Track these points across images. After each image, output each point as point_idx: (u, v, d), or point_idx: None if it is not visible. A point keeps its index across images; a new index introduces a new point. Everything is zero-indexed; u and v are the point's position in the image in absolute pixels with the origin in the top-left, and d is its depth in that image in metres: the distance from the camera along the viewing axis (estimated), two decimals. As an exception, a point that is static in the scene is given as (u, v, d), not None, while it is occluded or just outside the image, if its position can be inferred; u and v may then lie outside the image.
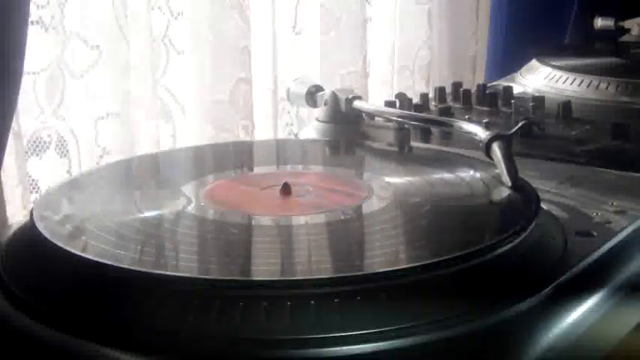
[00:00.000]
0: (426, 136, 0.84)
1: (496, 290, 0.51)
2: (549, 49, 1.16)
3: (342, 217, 0.60)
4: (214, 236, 0.58)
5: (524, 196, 0.62)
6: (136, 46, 0.89)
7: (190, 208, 0.61)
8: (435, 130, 0.84)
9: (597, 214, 0.64)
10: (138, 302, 0.48)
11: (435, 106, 0.95)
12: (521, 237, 0.55)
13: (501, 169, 0.65)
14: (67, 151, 0.87)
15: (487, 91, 0.97)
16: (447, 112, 0.90)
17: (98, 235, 0.55)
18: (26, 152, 0.83)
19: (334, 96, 0.83)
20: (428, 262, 0.50)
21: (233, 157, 0.78)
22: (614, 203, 0.66)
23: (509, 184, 0.63)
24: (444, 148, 0.79)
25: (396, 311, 0.47)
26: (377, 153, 0.77)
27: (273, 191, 0.64)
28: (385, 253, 0.54)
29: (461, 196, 0.64)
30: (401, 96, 0.93)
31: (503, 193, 0.63)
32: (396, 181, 0.67)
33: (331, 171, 0.72)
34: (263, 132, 1.04)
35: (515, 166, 0.65)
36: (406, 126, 0.80)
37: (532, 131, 0.83)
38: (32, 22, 0.80)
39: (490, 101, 0.95)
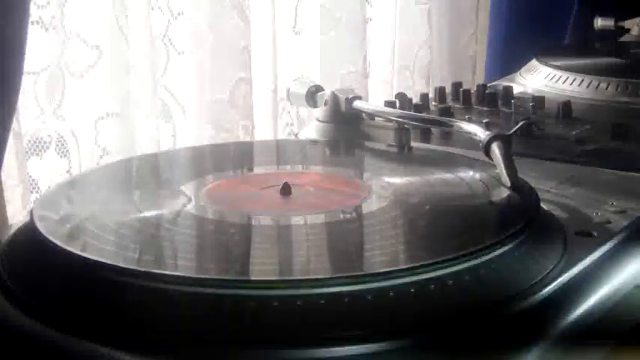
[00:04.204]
0: (426, 136, 0.84)
1: (496, 291, 0.51)
2: (549, 49, 1.16)
3: (342, 217, 0.60)
4: (214, 236, 0.58)
5: (524, 197, 0.62)
6: (136, 46, 0.89)
7: (190, 208, 0.61)
8: (435, 130, 0.83)
9: (597, 214, 0.64)
10: (138, 302, 0.48)
11: (435, 106, 0.95)
12: (520, 237, 0.55)
13: (501, 169, 0.65)
14: (67, 151, 0.87)
15: (487, 91, 0.96)
16: (447, 112, 0.90)
17: (98, 235, 0.55)
18: (26, 152, 0.83)
19: (334, 96, 0.83)
20: (427, 262, 0.50)
21: (233, 157, 0.78)
22: (614, 203, 0.66)
23: (509, 184, 0.63)
24: (444, 148, 0.79)
25: (396, 311, 0.47)
26: (377, 153, 0.77)
27: (273, 191, 0.64)
28: (385, 254, 0.54)
29: (460, 196, 0.64)
30: (401, 96, 0.93)
31: (503, 193, 0.63)
32: (396, 181, 0.67)
33: (331, 171, 0.72)
34: (263, 132, 1.04)
35: (515, 167, 0.65)
36: (406, 126, 0.80)
37: (532, 131, 0.83)
38: (32, 22, 0.80)
39: (490, 101, 0.95)
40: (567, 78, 1.02)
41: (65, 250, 0.52)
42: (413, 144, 0.79)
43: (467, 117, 0.90)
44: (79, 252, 0.52)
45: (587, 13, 1.32)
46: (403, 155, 0.78)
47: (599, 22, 1.27)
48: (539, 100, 0.93)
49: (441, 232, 0.58)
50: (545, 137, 0.83)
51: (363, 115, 0.84)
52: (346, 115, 0.83)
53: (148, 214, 0.61)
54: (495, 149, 0.66)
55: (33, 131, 0.84)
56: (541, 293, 0.51)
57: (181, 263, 0.54)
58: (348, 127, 0.83)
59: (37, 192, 0.85)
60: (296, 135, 1.06)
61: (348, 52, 1.14)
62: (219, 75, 0.96)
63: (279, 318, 0.46)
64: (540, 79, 1.04)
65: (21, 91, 0.68)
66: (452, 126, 0.77)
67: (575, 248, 0.58)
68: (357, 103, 0.83)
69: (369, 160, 0.77)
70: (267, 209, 0.62)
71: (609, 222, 0.62)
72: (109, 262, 0.50)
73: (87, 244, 0.55)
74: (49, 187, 0.83)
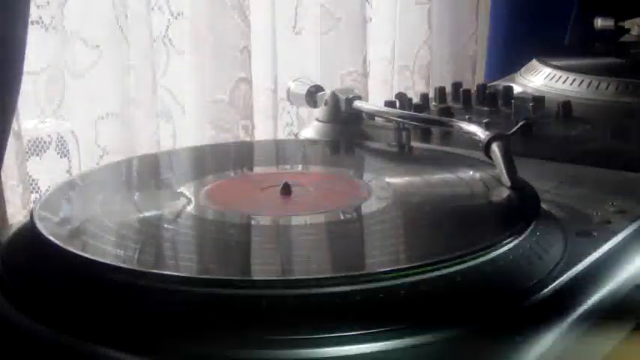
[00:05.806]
0: (426, 136, 0.84)
1: (496, 291, 0.51)
2: (549, 49, 1.16)
3: (342, 217, 0.60)
4: (214, 236, 0.58)
5: (524, 197, 0.62)
6: (136, 46, 0.89)
7: (190, 209, 0.61)
8: (435, 130, 0.83)
9: (597, 214, 0.64)
10: (138, 302, 0.48)
11: (435, 106, 0.95)
12: (520, 237, 0.55)
13: (500, 169, 0.65)
14: (67, 151, 0.87)
15: (487, 91, 0.96)
16: (447, 112, 0.90)
17: (98, 235, 0.55)
18: (26, 152, 0.83)
19: (334, 96, 0.83)
20: (427, 262, 0.50)
21: (233, 157, 0.78)
22: (614, 203, 0.66)
23: (509, 184, 0.64)
24: (444, 148, 0.79)
25: (395, 311, 0.47)
26: (377, 153, 0.77)
27: (273, 191, 0.64)
28: (384, 253, 0.54)
29: (461, 196, 0.64)
30: (401, 96, 0.93)
31: (503, 193, 0.63)
32: (396, 181, 0.67)
33: (331, 171, 0.72)
34: (263, 132, 1.04)
35: (515, 167, 0.65)
36: (406, 126, 0.80)
37: (532, 131, 0.83)
38: (32, 22, 0.80)
39: (490, 101, 0.95)
40: (567, 78, 1.02)
41: (65, 249, 0.52)
42: (413, 144, 0.79)
43: (467, 117, 0.89)
44: (79, 252, 0.52)
45: (587, 13, 1.32)
46: (403, 155, 0.78)
47: (599, 22, 1.27)
48: (539, 100, 0.93)
49: (441, 232, 0.58)
50: (545, 137, 0.83)
51: (363, 115, 0.84)
52: (346, 115, 0.83)
53: (148, 214, 0.61)
54: (495, 149, 0.66)
55: (33, 131, 0.84)
56: (541, 293, 0.52)
57: (181, 263, 0.54)
58: (348, 127, 0.83)
59: (37, 192, 0.85)
60: (296, 135, 1.06)
61: (348, 52, 1.14)
62: (219, 75, 0.96)
63: (279, 318, 0.46)
64: (540, 79, 1.04)
65: (21, 91, 0.68)
66: (452, 126, 0.77)
67: (575, 248, 0.58)
68: (357, 103, 0.83)
69: (369, 160, 0.77)
70: (267, 209, 0.62)
71: (609, 222, 0.62)
72: (109, 262, 0.50)
73: (87, 244, 0.55)
74: (49, 187, 0.83)
